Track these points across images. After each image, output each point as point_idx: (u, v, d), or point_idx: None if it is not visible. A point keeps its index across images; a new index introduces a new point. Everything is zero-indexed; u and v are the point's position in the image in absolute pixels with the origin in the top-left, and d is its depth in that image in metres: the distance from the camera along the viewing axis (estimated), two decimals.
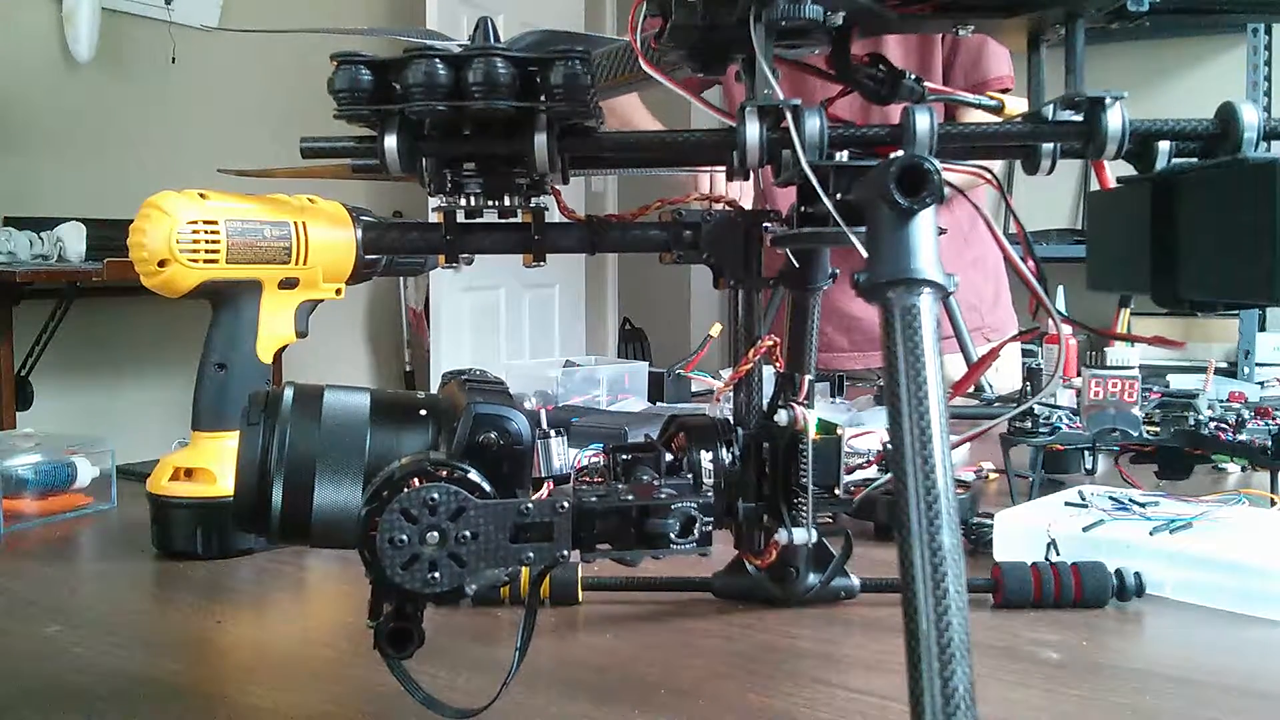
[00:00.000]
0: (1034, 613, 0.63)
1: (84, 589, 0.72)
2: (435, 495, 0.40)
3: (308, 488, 0.43)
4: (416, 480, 0.41)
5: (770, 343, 0.54)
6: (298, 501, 0.43)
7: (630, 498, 0.44)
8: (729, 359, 0.60)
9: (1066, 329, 0.86)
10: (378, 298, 3.71)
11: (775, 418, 0.52)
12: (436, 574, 0.41)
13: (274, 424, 0.44)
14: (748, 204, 1.34)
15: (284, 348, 0.81)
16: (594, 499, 0.44)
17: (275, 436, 0.44)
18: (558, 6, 3.78)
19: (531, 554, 0.42)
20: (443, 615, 0.62)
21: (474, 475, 0.42)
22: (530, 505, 0.42)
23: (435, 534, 0.41)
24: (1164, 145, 0.47)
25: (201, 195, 0.75)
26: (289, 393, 0.45)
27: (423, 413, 0.46)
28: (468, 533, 0.41)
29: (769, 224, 0.55)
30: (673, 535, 0.44)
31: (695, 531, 0.44)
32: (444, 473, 0.42)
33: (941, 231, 0.37)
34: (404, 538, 0.40)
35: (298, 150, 0.49)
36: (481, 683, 0.53)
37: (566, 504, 0.42)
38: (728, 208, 0.56)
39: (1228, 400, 1.05)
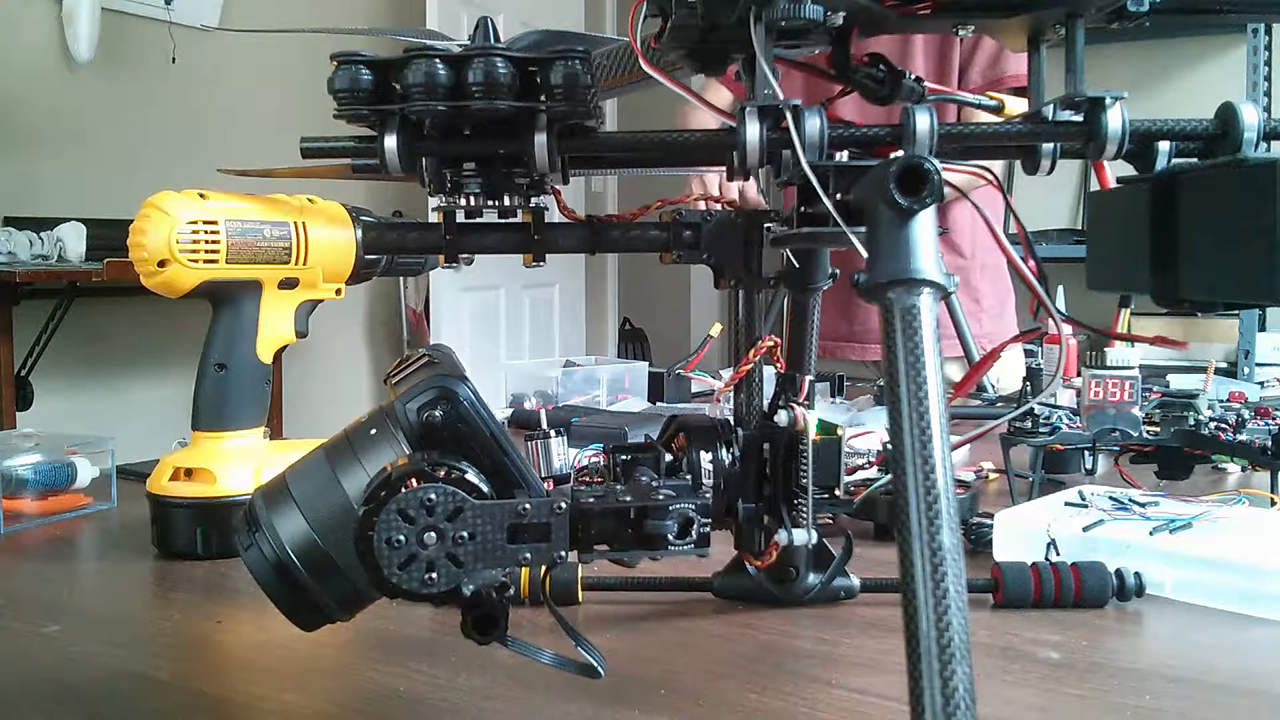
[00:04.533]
0: (1034, 613, 0.63)
1: (84, 589, 0.72)
2: (432, 496, 0.40)
3: (331, 565, 0.44)
4: (414, 481, 0.41)
5: (770, 343, 0.54)
6: (334, 582, 0.45)
7: (628, 499, 0.44)
8: (729, 359, 0.60)
9: (1067, 329, 0.85)
10: (378, 298, 3.71)
11: (775, 418, 0.52)
12: (434, 574, 0.41)
13: (264, 534, 0.45)
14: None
15: (284, 348, 0.81)
16: (591, 500, 0.44)
17: (272, 544, 0.45)
18: (558, 6, 3.78)
19: (529, 554, 0.42)
20: (441, 615, 0.62)
21: (471, 475, 0.42)
22: (528, 505, 0.42)
23: (433, 534, 0.41)
24: (1164, 145, 0.47)
25: (201, 195, 0.75)
26: (258, 500, 0.46)
27: (373, 431, 0.46)
28: (465, 533, 0.41)
29: (769, 224, 0.54)
30: (670, 536, 0.44)
31: (693, 533, 0.44)
32: (441, 473, 0.42)
33: (943, 231, 0.37)
34: (401, 538, 0.40)
35: (298, 150, 0.49)
36: (481, 683, 0.53)
37: (564, 505, 0.42)
38: (728, 207, 0.55)
39: (1228, 400, 1.05)
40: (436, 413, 0.44)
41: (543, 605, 0.63)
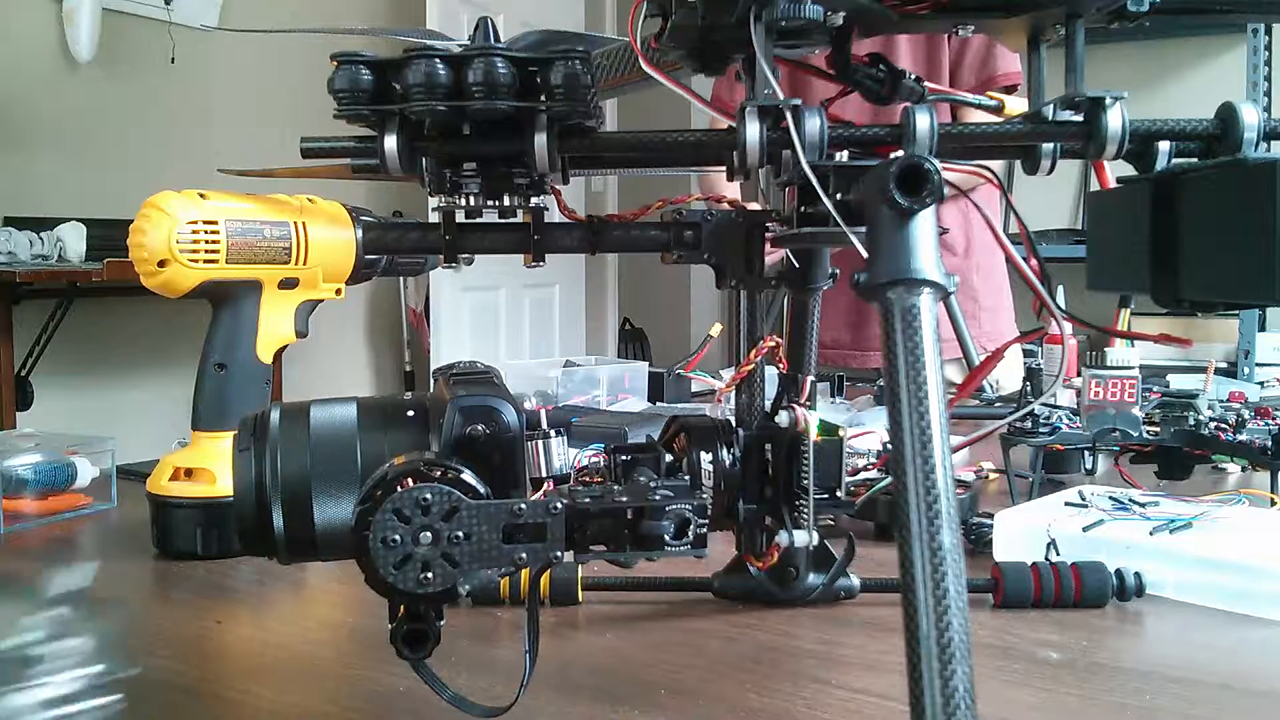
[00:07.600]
0: (1034, 613, 0.63)
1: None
2: (428, 495, 0.40)
3: (306, 505, 0.44)
4: (410, 480, 0.41)
5: (773, 343, 0.54)
6: (299, 520, 0.44)
7: (624, 499, 0.44)
8: (729, 359, 0.60)
9: (1069, 328, 0.85)
10: (378, 298, 3.71)
11: (776, 419, 0.52)
12: (429, 574, 0.41)
13: (264, 447, 0.44)
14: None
15: (284, 348, 0.81)
16: (588, 500, 0.44)
17: (267, 459, 0.44)
18: (558, 6, 3.78)
19: (524, 555, 0.42)
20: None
21: (468, 476, 0.42)
22: (524, 506, 0.42)
23: (428, 534, 0.40)
24: (1164, 145, 0.47)
25: (201, 195, 0.75)
26: (275, 414, 0.45)
27: (410, 413, 0.46)
28: (460, 533, 0.41)
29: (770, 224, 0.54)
30: (667, 537, 0.44)
31: (690, 533, 0.44)
32: (438, 473, 0.42)
33: (943, 231, 0.37)
34: (397, 538, 0.40)
35: (298, 150, 0.49)
36: (481, 683, 0.53)
37: (560, 505, 0.42)
38: (729, 207, 0.55)
39: (1228, 400, 1.05)
40: (480, 428, 0.44)
41: (542, 606, 0.64)
